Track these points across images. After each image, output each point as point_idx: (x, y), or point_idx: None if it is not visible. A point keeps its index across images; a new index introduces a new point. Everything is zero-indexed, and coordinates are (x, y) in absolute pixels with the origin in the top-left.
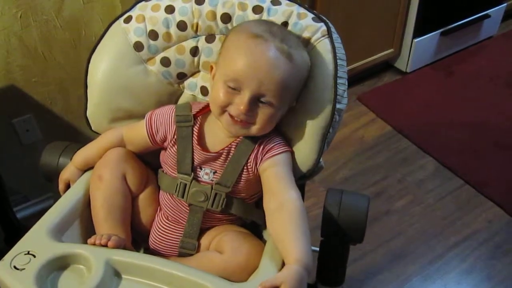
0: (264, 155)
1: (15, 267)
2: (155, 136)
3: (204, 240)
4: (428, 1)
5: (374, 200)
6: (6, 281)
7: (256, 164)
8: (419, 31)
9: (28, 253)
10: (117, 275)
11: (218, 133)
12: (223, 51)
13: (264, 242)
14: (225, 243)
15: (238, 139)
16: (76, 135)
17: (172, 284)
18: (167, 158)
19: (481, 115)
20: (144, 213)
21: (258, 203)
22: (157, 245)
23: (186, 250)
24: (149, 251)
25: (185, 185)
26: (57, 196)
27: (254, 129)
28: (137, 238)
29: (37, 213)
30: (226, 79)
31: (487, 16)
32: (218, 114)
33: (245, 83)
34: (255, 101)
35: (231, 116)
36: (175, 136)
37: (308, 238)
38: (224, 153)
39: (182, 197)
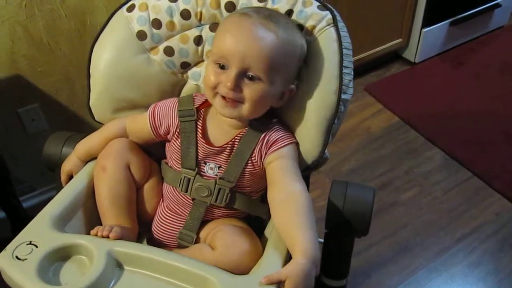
0: (269, 148)
1: (17, 257)
2: (158, 129)
3: (203, 233)
4: None
5: (381, 191)
6: (8, 272)
7: (261, 157)
8: (428, 21)
9: (30, 243)
10: (119, 266)
11: (221, 126)
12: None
13: (265, 237)
14: (218, 239)
15: (242, 132)
16: (82, 124)
17: (174, 276)
18: (172, 152)
19: (490, 107)
20: (148, 204)
21: (263, 198)
22: (159, 235)
23: (183, 242)
24: (152, 241)
25: (189, 179)
26: (59, 187)
27: (245, 109)
28: (141, 228)
29: (43, 202)
30: (214, 59)
31: (498, 5)
32: (211, 97)
33: (230, 59)
34: (242, 77)
35: (222, 97)
36: (178, 130)
37: (315, 230)
38: (228, 147)
39: (186, 191)
